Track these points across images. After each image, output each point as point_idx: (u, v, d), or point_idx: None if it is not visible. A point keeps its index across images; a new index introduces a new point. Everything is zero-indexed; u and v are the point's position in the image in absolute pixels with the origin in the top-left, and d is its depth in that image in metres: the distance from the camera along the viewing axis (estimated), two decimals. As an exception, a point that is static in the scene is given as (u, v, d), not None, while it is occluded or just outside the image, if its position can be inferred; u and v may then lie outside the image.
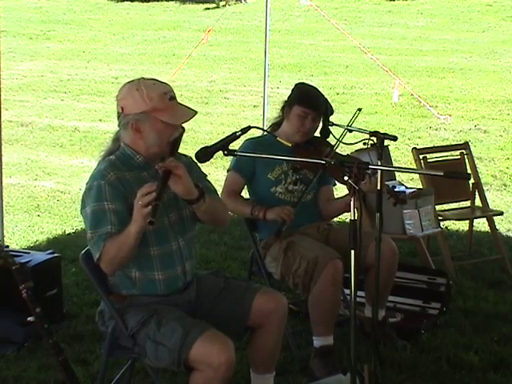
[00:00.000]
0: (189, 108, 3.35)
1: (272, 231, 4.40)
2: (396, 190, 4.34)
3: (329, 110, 4.49)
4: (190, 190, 3.27)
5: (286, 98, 4.57)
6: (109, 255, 3.21)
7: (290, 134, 4.40)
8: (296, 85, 4.62)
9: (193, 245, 3.51)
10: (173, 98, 3.30)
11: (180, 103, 3.34)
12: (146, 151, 3.34)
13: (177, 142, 3.32)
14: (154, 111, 3.25)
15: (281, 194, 4.46)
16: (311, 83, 4.74)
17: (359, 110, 4.51)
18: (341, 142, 4.39)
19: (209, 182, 3.53)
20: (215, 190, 3.52)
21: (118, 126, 3.38)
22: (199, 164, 3.45)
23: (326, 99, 4.54)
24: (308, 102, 4.42)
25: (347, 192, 4.28)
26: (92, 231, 3.24)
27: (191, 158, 3.50)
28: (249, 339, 3.59)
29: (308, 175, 4.51)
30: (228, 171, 4.54)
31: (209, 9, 22.23)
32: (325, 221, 4.65)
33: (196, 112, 3.33)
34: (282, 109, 4.54)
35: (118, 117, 3.35)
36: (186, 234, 3.43)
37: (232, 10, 19.31)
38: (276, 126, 4.58)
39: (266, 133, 4.50)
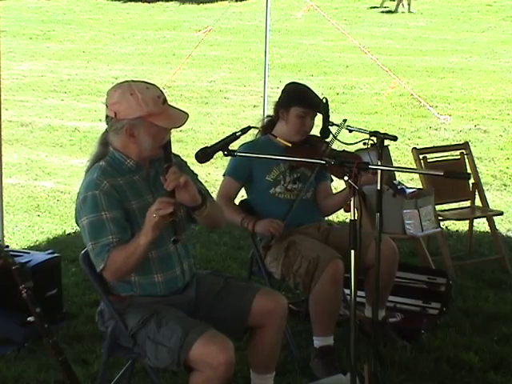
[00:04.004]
0: (180, 110, 3.34)
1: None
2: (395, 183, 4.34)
3: (327, 109, 4.47)
4: (196, 197, 3.28)
5: (277, 99, 4.56)
6: (115, 265, 3.20)
7: (288, 135, 4.39)
8: (287, 85, 4.62)
9: (189, 243, 3.50)
10: (165, 100, 3.29)
11: (170, 105, 3.33)
12: (138, 155, 3.33)
13: (169, 144, 3.32)
14: (149, 116, 3.23)
15: (280, 193, 4.47)
16: (310, 83, 4.73)
17: (344, 121, 4.47)
18: (336, 138, 4.37)
19: (200, 182, 3.52)
20: (208, 192, 3.52)
21: (108, 130, 3.35)
22: (197, 165, 3.45)
23: (324, 97, 4.53)
24: (306, 102, 4.43)
25: (345, 186, 4.28)
26: (93, 242, 3.23)
27: (180, 157, 3.50)
28: (249, 339, 3.59)
29: (306, 173, 4.51)
30: (224, 176, 4.54)
31: (375, 7, 22.15)
32: (324, 216, 4.66)
33: (188, 114, 3.32)
34: (275, 109, 4.54)
35: (108, 121, 3.32)
36: (182, 233, 3.42)
37: (233, 10, 19.30)
38: (270, 127, 4.56)
39: (261, 134, 4.52)
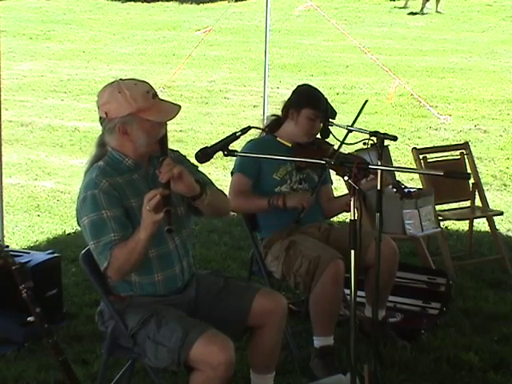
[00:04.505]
0: (172, 103, 3.34)
1: (273, 230, 4.41)
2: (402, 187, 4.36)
3: (329, 112, 4.49)
4: (193, 186, 3.28)
5: (286, 99, 4.56)
6: (118, 263, 3.20)
7: (296, 135, 4.40)
8: (299, 87, 4.61)
9: (189, 242, 3.51)
10: (155, 95, 3.29)
11: (162, 99, 3.33)
12: (134, 152, 3.33)
13: (165, 138, 3.32)
14: (139, 112, 3.23)
15: (285, 193, 4.46)
16: (310, 83, 4.74)
17: (366, 101, 4.49)
18: (344, 143, 4.39)
19: (201, 172, 3.51)
20: (210, 180, 3.52)
21: (103, 130, 3.36)
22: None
23: (327, 99, 4.54)
24: (318, 104, 4.43)
25: (347, 191, 4.28)
26: (95, 241, 3.23)
27: (178, 152, 3.50)
28: (249, 339, 3.60)
29: (311, 174, 4.52)
30: (232, 173, 4.53)
31: (396, 7, 22.15)
32: (326, 218, 4.66)
33: (180, 106, 3.32)
34: (284, 110, 4.53)
35: (102, 122, 3.32)
36: (182, 231, 3.43)
37: (233, 10, 19.30)
38: (274, 126, 4.56)
39: (265, 133, 4.51)
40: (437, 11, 21.42)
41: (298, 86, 4.62)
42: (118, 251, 3.19)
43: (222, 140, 3.41)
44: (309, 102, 4.43)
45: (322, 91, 4.58)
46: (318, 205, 4.59)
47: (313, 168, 4.47)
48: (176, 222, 3.33)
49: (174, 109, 3.31)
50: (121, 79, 3.36)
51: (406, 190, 4.28)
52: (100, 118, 3.32)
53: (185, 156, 3.51)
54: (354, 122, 4.43)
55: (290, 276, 4.30)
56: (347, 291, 4.02)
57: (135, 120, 3.25)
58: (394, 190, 4.27)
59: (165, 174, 3.17)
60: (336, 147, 4.46)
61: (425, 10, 21.48)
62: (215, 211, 3.55)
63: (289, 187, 4.47)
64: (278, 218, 4.39)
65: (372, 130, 4.22)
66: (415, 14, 21.45)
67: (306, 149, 4.33)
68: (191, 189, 3.28)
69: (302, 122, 4.44)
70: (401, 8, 22.23)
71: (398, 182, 4.35)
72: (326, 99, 4.52)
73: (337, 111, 4.57)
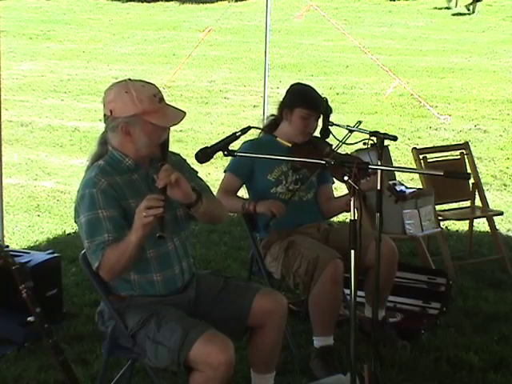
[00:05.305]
0: (177, 109, 3.33)
1: (272, 231, 4.41)
2: (396, 188, 4.35)
3: (328, 110, 4.49)
4: (189, 194, 3.28)
5: (282, 99, 4.56)
6: (109, 263, 3.21)
7: (291, 135, 4.39)
8: (292, 86, 4.60)
9: (188, 243, 3.51)
10: (162, 99, 3.28)
11: (168, 104, 3.33)
12: (135, 154, 3.33)
13: (166, 143, 3.32)
14: (144, 114, 3.23)
15: (281, 194, 4.46)
16: (310, 83, 4.73)
17: (360, 122, 4.49)
18: (343, 143, 4.39)
19: (200, 179, 3.51)
20: (208, 187, 3.52)
21: (106, 128, 3.36)
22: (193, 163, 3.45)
23: (324, 98, 4.53)
24: (310, 103, 4.41)
25: (347, 191, 4.27)
26: (89, 240, 3.23)
27: (180, 156, 3.50)
28: (249, 339, 3.59)
29: (307, 174, 4.51)
30: (224, 172, 4.54)
31: (437, 8, 22.13)
32: (325, 218, 4.66)
33: (185, 113, 3.32)
34: (280, 110, 4.53)
35: (106, 119, 3.32)
36: (181, 233, 3.43)
37: (233, 10, 19.30)
38: (273, 126, 4.56)
39: (264, 133, 4.51)
40: (473, 12, 21.36)
41: (291, 86, 4.61)
42: (110, 252, 3.19)
43: (222, 140, 3.41)
44: (301, 101, 4.42)
45: (321, 91, 4.58)
46: (317, 205, 4.59)
47: (310, 168, 4.46)
48: (175, 223, 3.35)
49: (178, 115, 3.30)
50: (129, 79, 3.35)
51: (400, 191, 4.28)
52: (104, 115, 3.32)
53: (185, 160, 3.51)
54: (353, 127, 4.43)
55: (289, 276, 4.30)
56: (347, 291, 4.02)
57: (139, 121, 3.24)
58: (389, 193, 4.27)
59: (162, 180, 3.17)
60: (336, 148, 4.45)
61: (462, 11, 21.40)
62: (210, 219, 3.55)
63: (284, 188, 4.46)
64: (277, 219, 4.38)
65: (372, 130, 4.22)
66: (462, 14, 21.36)
67: (302, 149, 4.32)
68: (187, 196, 3.28)
69: (296, 121, 4.43)
70: (441, 9, 22.16)
71: (394, 184, 4.34)
72: (325, 98, 4.51)
73: (332, 108, 4.53)
